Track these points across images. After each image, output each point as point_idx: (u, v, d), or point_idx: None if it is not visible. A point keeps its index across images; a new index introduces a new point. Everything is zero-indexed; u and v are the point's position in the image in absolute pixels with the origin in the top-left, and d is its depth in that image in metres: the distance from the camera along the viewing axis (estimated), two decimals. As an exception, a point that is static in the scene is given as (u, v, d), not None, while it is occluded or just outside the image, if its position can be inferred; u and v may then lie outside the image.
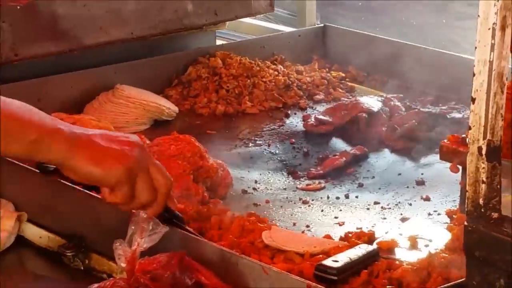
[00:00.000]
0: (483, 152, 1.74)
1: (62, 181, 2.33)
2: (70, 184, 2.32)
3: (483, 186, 1.76)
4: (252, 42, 3.47)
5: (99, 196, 2.26)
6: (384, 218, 2.45)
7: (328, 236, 2.25)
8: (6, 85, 2.94)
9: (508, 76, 1.74)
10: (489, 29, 1.71)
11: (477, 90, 1.73)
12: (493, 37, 1.71)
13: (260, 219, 2.35)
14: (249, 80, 3.17)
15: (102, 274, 2.26)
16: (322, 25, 3.55)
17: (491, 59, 1.71)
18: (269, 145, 2.88)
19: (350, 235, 2.27)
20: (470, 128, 1.76)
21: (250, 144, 2.89)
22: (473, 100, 1.74)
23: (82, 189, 2.30)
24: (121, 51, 3.17)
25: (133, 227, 2.02)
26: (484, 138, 1.74)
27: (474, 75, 1.74)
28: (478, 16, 1.72)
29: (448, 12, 4.49)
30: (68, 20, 3.00)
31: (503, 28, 1.71)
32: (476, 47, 1.73)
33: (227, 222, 2.27)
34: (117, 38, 3.11)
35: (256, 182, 2.67)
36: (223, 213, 2.31)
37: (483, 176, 1.76)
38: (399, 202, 2.54)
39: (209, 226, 2.29)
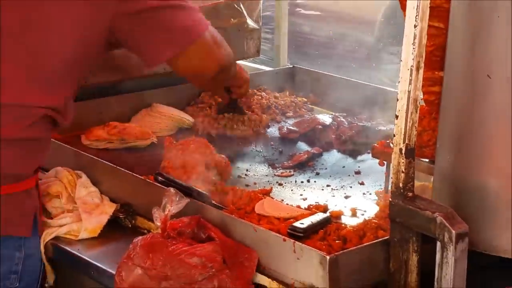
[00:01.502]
0: (403, 152, 1.76)
1: (123, 170, 2.36)
2: (129, 172, 2.34)
3: (402, 174, 1.78)
4: (245, 77, 3.46)
5: (147, 179, 2.27)
6: (333, 196, 2.45)
7: (298, 206, 2.26)
8: (80, 102, 2.93)
9: (420, 101, 1.76)
10: (408, 69, 1.73)
11: (399, 110, 1.75)
12: (411, 74, 1.72)
13: (263, 190, 2.38)
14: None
15: (144, 230, 2.26)
16: (292, 66, 3.54)
17: (409, 90, 1.73)
18: (255, 146, 2.87)
19: (311, 206, 2.28)
20: (394, 136, 1.77)
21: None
22: (397, 116, 1.76)
23: (138, 176, 2.31)
24: (156, 81, 3.16)
25: (165, 199, 2.02)
26: (404, 142, 1.75)
27: (397, 100, 1.75)
28: (401, 60, 1.74)
29: (376, 59, 4.49)
30: (121, 58, 2.98)
31: (417, 69, 1.73)
32: (399, 81, 1.74)
33: (239, 194, 2.28)
34: (154, 72, 3.09)
35: (247, 170, 2.66)
36: (234, 190, 2.32)
37: (402, 168, 1.77)
38: (344, 185, 2.53)
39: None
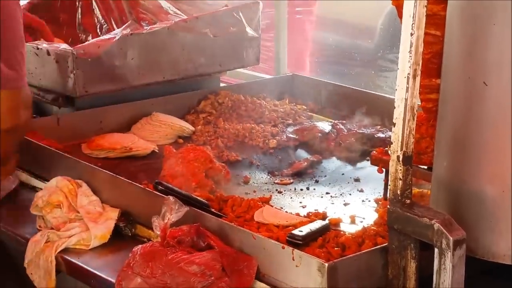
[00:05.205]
0: (400, 159, 1.76)
1: (123, 179, 2.35)
2: (129, 181, 2.34)
3: (400, 182, 1.78)
4: (244, 85, 3.46)
5: (146, 188, 2.28)
6: (333, 203, 2.45)
7: (297, 214, 2.26)
8: (79, 111, 2.97)
9: (417, 109, 1.76)
10: (405, 77, 1.73)
11: (397, 118, 1.75)
12: (407, 82, 1.73)
13: (263, 198, 2.38)
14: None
15: (144, 239, 2.26)
16: (291, 74, 3.55)
17: (406, 97, 1.73)
18: (255, 154, 2.86)
19: (310, 214, 2.29)
20: (391, 143, 1.78)
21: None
22: (394, 124, 1.76)
23: (137, 184, 2.31)
24: (156, 89, 3.17)
25: (165, 208, 2.02)
26: (401, 150, 1.76)
27: (395, 107, 1.75)
28: (398, 68, 1.74)
29: (375, 66, 4.50)
30: (121, 68, 3.00)
31: (414, 77, 1.73)
32: (396, 89, 1.74)
33: (239, 202, 2.28)
34: (154, 81, 3.11)
35: (247, 178, 2.66)
36: (234, 198, 2.31)
37: (400, 175, 1.77)
38: (343, 193, 2.54)
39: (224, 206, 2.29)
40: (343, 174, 2.70)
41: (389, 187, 1.80)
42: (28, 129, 2.19)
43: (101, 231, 2.26)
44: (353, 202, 2.44)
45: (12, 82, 2.02)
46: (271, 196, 2.44)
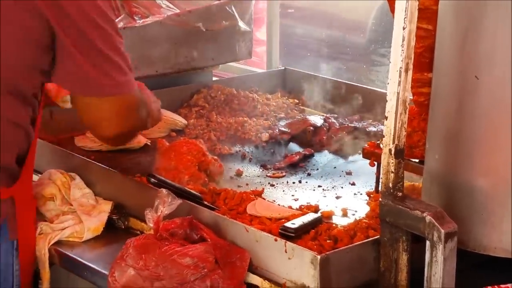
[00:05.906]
0: (392, 152, 1.76)
1: (116, 171, 2.36)
2: (122, 173, 2.35)
3: (392, 175, 1.78)
4: (237, 79, 3.46)
5: (139, 181, 2.27)
6: (325, 196, 2.45)
7: (290, 207, 2.26)
8: (72, 104, 2.95)
9: (409, 102, 1.76)
10: (397, 71, 1.73)
11: (389, 111, 1.75)
12: (399, 76, 1.73)
13: (255, 191, 2.38)
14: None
15: (137, 231, 2.26)
16: (283, 68, 3.55)
17: (398, 91, 1.73)
18: (248, 147, 2.86)
19: (302, 207, 2.28)
20: (383, 136, 1.78)
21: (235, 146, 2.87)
22: (386, 117, 1.76)
23: (130, 177, 2.31)
24: (149, 83, 3.13)
25: (158, 200, 2.02)
26: (393, 143, 1.76)
27: (387, 101, 1.75)
28: (390, 62, 1.74)
29: (367, 60, 4.50)
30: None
31: (406, 71, 1.73)
32: (388, 83, 1.74)
33: (231, 195, 2.28)
34: (147, 74, 3.10)
35: (239, 171, 2.65)
36: (226, 191, 2.32)
37: (392, 168, 1.77)
38: (335, 186, 2.54)
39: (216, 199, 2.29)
40: (335, 167, 2.70)
41: (381, 180, 1.80)
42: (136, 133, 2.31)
43: (94, 223, 2.25)
44: (345, 195, 2.44)
45: (107, 88, 2.04)
46: (263, 189, 2.44)
